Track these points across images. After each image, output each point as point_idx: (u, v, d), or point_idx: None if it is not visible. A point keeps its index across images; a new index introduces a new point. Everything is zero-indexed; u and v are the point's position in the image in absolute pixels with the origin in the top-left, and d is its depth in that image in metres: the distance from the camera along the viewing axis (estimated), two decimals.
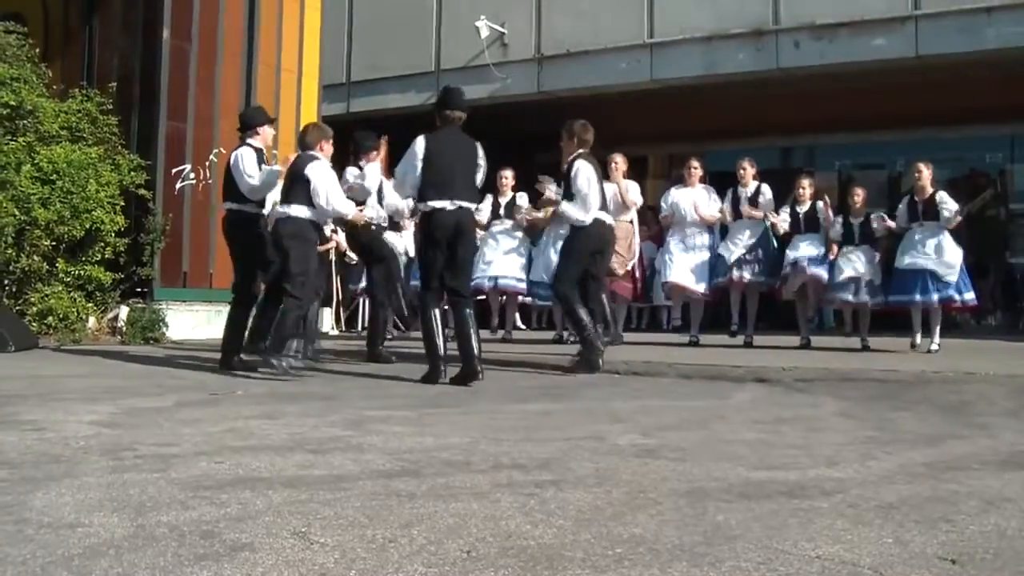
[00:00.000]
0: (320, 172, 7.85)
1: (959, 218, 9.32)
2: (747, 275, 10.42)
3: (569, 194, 8.26)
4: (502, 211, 11.11)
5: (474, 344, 7.34)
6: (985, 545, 2.80)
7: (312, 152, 8.03)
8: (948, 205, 9.34)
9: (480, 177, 7.65)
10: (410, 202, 8.06)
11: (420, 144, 7.44)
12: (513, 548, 2.71)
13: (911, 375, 7.43)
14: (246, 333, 8.55)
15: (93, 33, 13.53)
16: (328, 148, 8.17)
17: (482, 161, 7.63)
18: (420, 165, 7.37)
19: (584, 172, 8.15)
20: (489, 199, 10.86)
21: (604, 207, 8.54)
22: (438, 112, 7.69)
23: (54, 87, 12.44)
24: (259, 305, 8.51)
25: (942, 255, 9.29)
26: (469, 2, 16.50)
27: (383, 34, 17.35)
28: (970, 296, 9.46)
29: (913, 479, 3.79)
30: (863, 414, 5.86)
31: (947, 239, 9.34)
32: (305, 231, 7.93)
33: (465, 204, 7.42)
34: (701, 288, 10.59)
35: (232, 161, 8.44)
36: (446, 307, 7.80)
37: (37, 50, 12.47)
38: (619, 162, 10.44)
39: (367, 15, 17.82)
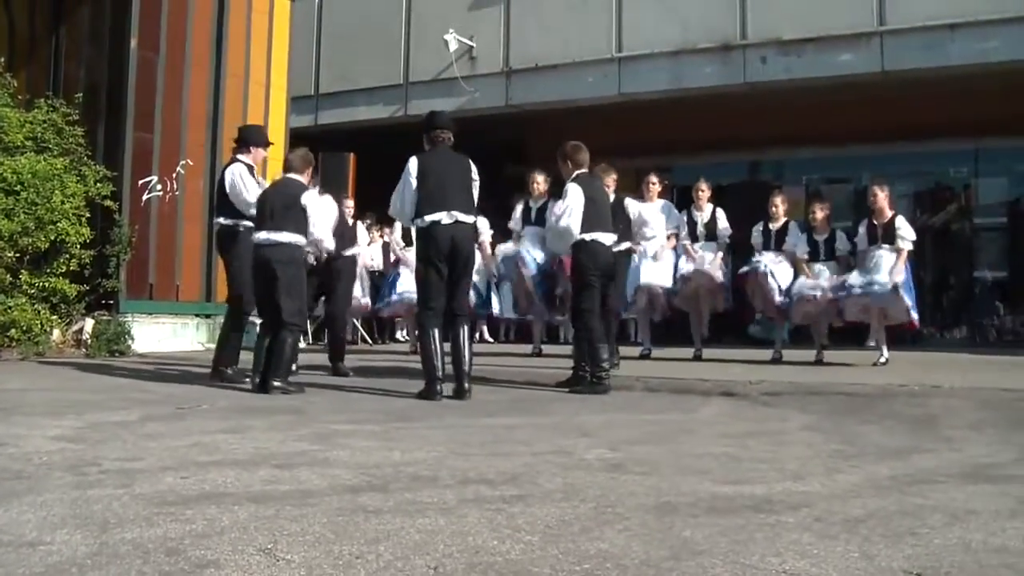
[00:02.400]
0: (317, 203, 7.87)
1: (910, 247, 9.48)
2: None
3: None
4: (533, 215, 10.71)
5: (466, 363, 7.35)
6: (950, 558, 2.82)
7: (301, 179, 7.99)
8: (904, 233, 9.46)
9: (476, 192, 7.64)
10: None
11: (413, 163, 7.48)
12: (480, 564, 2.71)
13: (877, 389, 7.49)
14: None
15: (59, 43, 13.41)
16: (309, 176, 8.19)
17: (476, 176, 7.64)
18: (415, 183, 7.40)
19: (571, 195, 7.97)
20: (518, 208, 10.84)
21: (606, 227, 8.17)
22: (426, 135, 7.72)
23: (19, 97, 12.31)
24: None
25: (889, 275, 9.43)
26: (438, 15, 16.51)
27: (352, 46, 17.33)
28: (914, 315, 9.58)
29: (879, 493, 3.81)
30: (830, 428, 5.89)
31: (899, 262, 9.43)
32: (300, 258, 7.92)
33: (462, 217, 7.39)
34: (669, 283, 10.48)
35: (228, 178, 8.42)
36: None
37: (2, 59, 12.35)
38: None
39: (336, 27, 17.79)
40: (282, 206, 7.79)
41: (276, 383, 7.54)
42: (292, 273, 7.77)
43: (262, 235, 7.80)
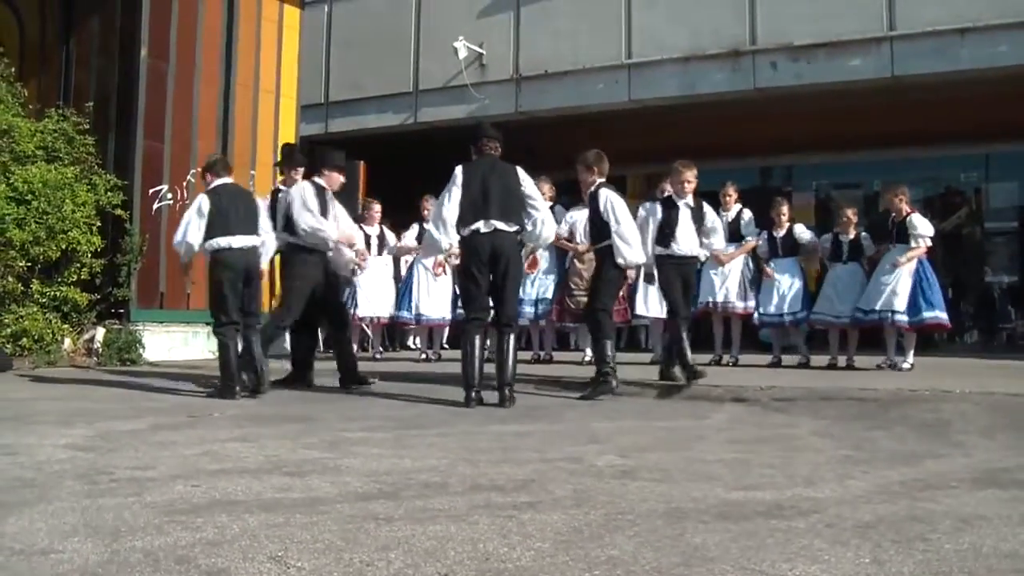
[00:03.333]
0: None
1: (927, 243, 9.57)
2: (729, 300, 10.47)
3: (603, 224, 8.04)
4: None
5: (508, 372, 7.40)
6: (961, 564, 2.82)
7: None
8: (919, 231, 9.56)
9: (530, 199, 7.71)
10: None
11: (458, 172, 7.60)
12: (491, 571, 2.71)
13: (888, 394, 7.45)
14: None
15: (70, 53, 13.46)
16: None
17: (526, 183, 7.70)
18: (459, 192, 7.48)
19: (625, 209, 8.08)
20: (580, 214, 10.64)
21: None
22: (473, 145, 7.88)
23: (30, 107, 12.36)
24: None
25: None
26: (447, 23, 16.51)
27: (362, 54, 17.34)
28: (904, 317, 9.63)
29: (890, 498, 3.80)
30: (840, 433, 5.87)
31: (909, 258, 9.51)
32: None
33: (501, 226, 7.43)
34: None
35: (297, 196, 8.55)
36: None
37: (13, 69, 12.39)
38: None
39: (346, 35, 17.81)
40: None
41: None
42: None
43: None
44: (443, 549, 2.93)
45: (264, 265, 8.59)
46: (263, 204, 8.79)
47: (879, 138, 15.54)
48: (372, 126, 17.11)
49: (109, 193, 11.97)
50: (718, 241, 9.30)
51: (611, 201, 8.05)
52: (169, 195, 12.70)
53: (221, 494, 3.76)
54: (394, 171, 14.46)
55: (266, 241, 8.40)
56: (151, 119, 12.59)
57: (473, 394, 7.29)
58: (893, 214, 9.82)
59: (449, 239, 7.51)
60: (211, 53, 13.53)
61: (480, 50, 16.16)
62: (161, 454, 4.78)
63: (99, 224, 11.85)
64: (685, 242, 8.59)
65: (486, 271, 7.44)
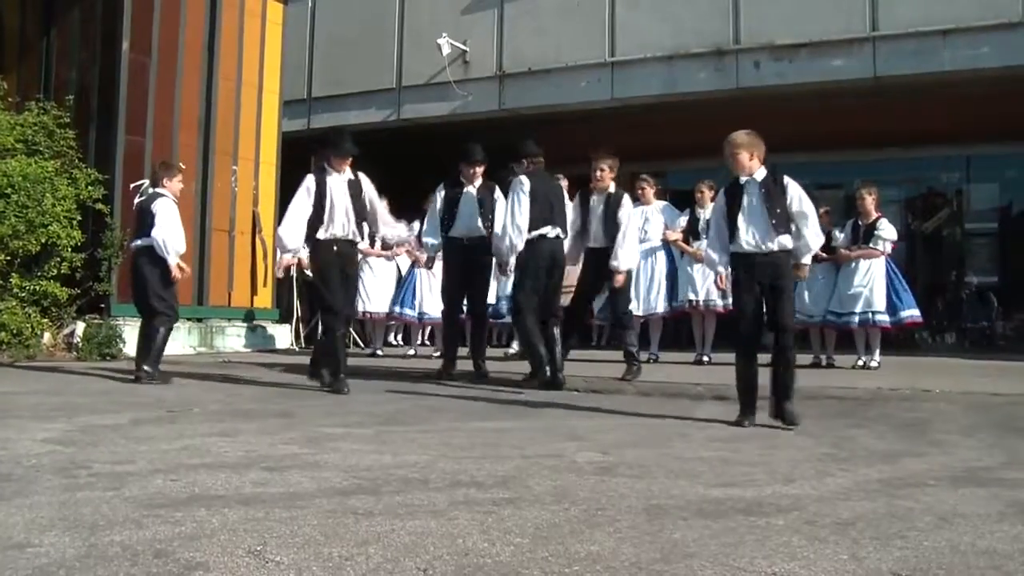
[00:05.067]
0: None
1: (887, 248, 9.92)
2: (708, 299, 10.53)
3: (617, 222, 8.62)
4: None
5: (559, 357, 8.41)
6: (939, 560, 2.83)
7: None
8: (884, 234, 9.95)
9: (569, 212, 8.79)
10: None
11: (526, 183, 8.44)
12: (470, 566, 2.70)
13: (868, 393, 7.50)
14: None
15: (51, 45, 13.39)
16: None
17: (566, 196, 8.79)
18: (528, 201, 8.36)
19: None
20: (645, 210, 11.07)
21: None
22: (526, 159, 8.74)
23: (10, 99, 12.30)
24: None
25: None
26: (431, 19, 16.48)
27: (345, 50, 17.30)
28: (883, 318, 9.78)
29: (869, 496, 3.81)
30: (820, 431, 5.89)
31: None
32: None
33: (560, 234, 8.57)
34: (661, 309, 10.75)
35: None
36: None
37: None
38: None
39: (329, 31, 17.76)
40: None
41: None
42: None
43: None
44: (422, 544, 2.93)
45: None
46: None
47: (861, 138, 15.61)
48: (355, 122, 17.06)
49: (90, 187, 11.92)
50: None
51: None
52: (150, 190, 12.64)
53: (200, 488, 3.75)
54: (377, 168, 14.45)
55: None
56: (132, 113, 12.54)
57: (547, 368, 8.27)
58: (860, 215, 9.94)
59: (519, 243, 8.38)
60: (193, 47, 13.48)
61: (464, 47, 16.15)
62: (140, 448, 4.76)
63: (79, 218, 11.81)
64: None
65: (546, 272, 8.43)
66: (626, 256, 8.53)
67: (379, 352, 12.55)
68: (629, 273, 8.82)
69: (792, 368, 6.16)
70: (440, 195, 9.63)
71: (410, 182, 12.35)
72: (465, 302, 9.79)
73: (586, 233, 8.79)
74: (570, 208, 8.88)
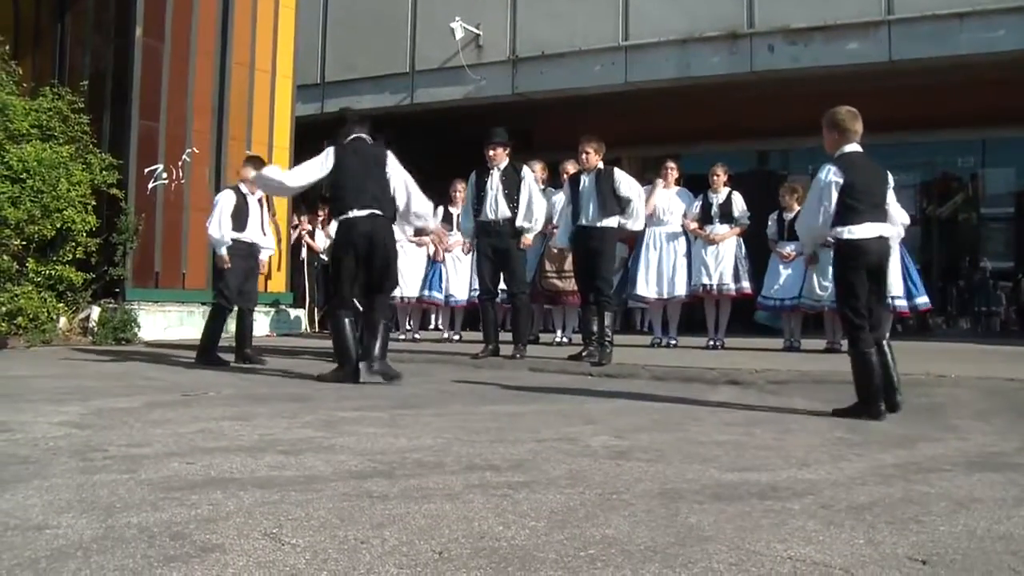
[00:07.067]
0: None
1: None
2: (722, 283, 10.51)
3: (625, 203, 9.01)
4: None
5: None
6: (955, 546, 2.82)
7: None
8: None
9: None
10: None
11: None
12: (485, 549, 2.70)
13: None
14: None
15: (65, 31, 13.42)
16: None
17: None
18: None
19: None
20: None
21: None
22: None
23: (24, 85, 12.33)
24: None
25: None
26: (444, 3, 16.46)
27: (358, 35, 17.30)
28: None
29: (884, 480, 3.80)
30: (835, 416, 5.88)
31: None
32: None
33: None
34: (681, 292, 10.69)
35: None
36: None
37: (7, 48, 12.36)
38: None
39: (342, 15, 17.76)
40: None
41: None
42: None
43: None
44: (438, 527, 2.93)
45: None
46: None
47: (876, 122, 15.39)
48: (368, 107, 17.07)
49: (104, 172, 11.96)
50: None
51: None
52: (164, 174, 12.68)
53: (216, 471, 3.76)
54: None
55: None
56: (146, 98, 12.57)
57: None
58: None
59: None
60: (207, 32, 13.49)
61: (477, 31, 16.13)
62: (156, 432, 4.77)
63: (94, 203, 11.86)
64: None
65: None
66: (637, 222, 9.18)
67: (417, 336, 12.61)
68: (612, 253, 9.18)
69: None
70: (472, 180, 9.66)
71: (424, 167, 12.37)
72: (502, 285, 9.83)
73: (577, 216, 8.98)
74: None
